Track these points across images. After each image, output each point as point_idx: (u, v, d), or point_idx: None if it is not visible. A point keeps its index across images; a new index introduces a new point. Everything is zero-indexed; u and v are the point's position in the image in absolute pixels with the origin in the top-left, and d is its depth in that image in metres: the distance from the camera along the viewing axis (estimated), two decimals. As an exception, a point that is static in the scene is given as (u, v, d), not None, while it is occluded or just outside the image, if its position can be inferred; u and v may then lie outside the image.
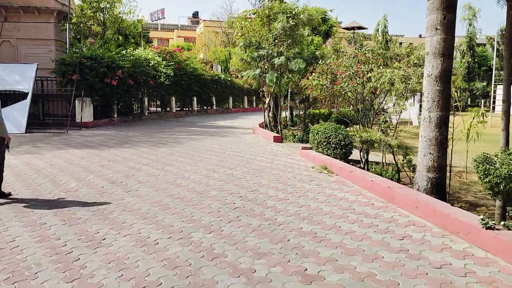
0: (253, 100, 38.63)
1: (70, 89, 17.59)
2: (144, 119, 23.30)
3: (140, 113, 23.61)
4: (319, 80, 7.46)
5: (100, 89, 18.47)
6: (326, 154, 9.46)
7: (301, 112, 24.72)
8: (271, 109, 17.61)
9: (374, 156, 11.06)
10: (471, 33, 50.07)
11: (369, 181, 6.89)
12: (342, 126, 19.13)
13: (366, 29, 28.97)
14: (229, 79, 34.04)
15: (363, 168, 8.25)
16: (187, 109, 29.25)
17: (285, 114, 22.00)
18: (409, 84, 7.01)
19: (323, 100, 12.76)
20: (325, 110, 25.24)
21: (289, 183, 7.56)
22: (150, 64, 23.93)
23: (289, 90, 20.09)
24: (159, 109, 26.53)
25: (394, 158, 7.88)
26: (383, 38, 45.91)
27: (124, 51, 22.23)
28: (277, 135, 14.04)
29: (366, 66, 7.31)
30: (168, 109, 26.96)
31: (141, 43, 29.28)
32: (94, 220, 5.46)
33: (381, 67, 7.25)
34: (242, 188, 7.21)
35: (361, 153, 8.61)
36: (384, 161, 9.61)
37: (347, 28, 25.43)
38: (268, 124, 17.20)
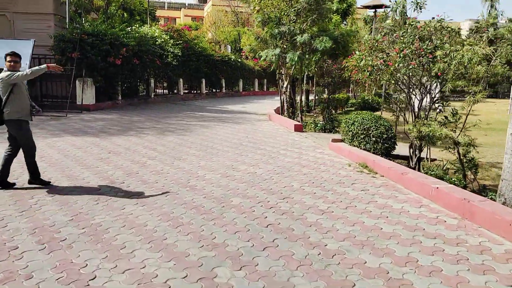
0: (263, 83, 37.03)
1: (70, 68, 16.14)
2: (150, 102, 21.87)
3: (146, 96, 22.17)
4: (370, 60, 6.01)
5: (102, 68, 17.00)
6: (364, 149, 8.02)
7: (323, 96, 23.22)
8: (289, 93, 16.14)
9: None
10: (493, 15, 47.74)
11: (433, 188, 5.47)
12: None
13: (388, 8, 27.04)
14: (239, 60, 32.39)
15: (414, 168, 6.83)
16: (195, 91, 27.75)
17: (299, 98, 20.43)
18: (491, 66, 5.56)
19: (366, 85, 11.34)
20: (343, 95, 23.75)
21: (327, 187, 6.15)
22: (157, 43, 22.38)
23: (305, 73, 18.54)
24: (166, 91, 25.04)
25: (461, 160, 6.42)
26: (401, 18, 43.52)
27: (128, 28, 20.67)
28: (298, 123, 12.60)
29: (428, 42, 5.81)
30: (175, 91, 25.47)
31: (147, 21, 27.64)
32: (80, 245, 4.08)
33: (447, 44, 5.78)
34: (271, 193, 5.82)
35: (412, 149, 7.17)
36: (428, 156, 8.15)
37: (368, 7, 23.58)
38: (286, 110, 15.74)
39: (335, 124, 13.24)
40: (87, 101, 16.72)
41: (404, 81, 6.45)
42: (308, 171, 7.15)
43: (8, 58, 5.75)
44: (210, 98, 28.10)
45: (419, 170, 6.89)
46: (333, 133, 13.04)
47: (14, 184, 6.02)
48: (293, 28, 12.64)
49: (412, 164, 7.03)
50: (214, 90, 30.03)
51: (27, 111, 5.92)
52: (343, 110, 17.91)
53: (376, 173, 6.98)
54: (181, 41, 24.62)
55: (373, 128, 7.90)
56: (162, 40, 22.81)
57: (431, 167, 7.01)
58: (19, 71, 5.71)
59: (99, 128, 12.04)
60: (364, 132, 8.01)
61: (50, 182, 6.18)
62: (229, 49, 38.90)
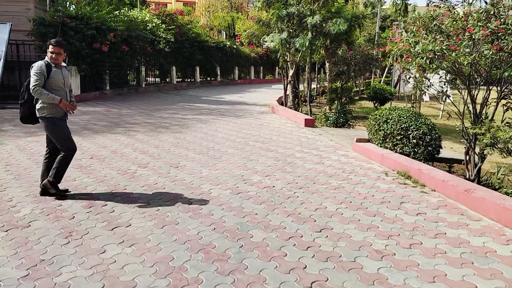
0: (260, 71, 35.41)
1: (51, 56, 14.50)
2: (141, 91, 20.30)
3: (137, 85, 20.59)
4: (430, 43, 4.59)
5: (88, 55, 15.42)
6: (401, 153, 6.62)
7: (325, 85, 21.70)
8: (295, 82, 14.69)
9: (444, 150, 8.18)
10: None
11: (519, 215, 4.08)
12: (377, 104, 16.24)
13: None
14: (235, 46, 30.76)
15: (473, 181, 5.44)
16: (189, 80, 26.15)
17: (305, 87, 18.88)
18: None
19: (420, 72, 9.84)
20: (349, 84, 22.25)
21: (370, 209, 4.74)
22: (148, 28, 20.78)
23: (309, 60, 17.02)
24: (157, 79, 23.44)
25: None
26: (402, 3, 41.98)
27: (116, 12, 19.01)
28: (308, 117, 11.15)
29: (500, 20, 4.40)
30: (168, 80, 23.87)
31: (136, 4, 25.86)
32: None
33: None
34: (301, 221, 4.40)
35: (469, 156, 5.77)
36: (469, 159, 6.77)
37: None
38: (291, 100, 14.29)
39: (348, 117, 11.82)
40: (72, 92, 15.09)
41: (462, 69, 5.01)
42: (338, 184, 5.74)
43: (51, 48, 4.80)
44: (204, 87, 26.52)
45: (478, 182, 5.50)
46: (347, 127, 11.64)
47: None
48: (302, 9, 11.12)
49: (471, 175, 5.63)
50: (208, 79, 28.42)
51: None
52: (347, 100, 16.49)
53: (424, 185, 5.59)
54: (174, 26, 22.97)
55: (413, 128, 6.49)
56: (154, 25, 21.20)
57: (488, 178, 5.65)
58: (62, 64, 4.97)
59: (83, 124, 10.52)
60: (402, 133, 6.59)
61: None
62: (224, 35, 37.16)
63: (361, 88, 23.04)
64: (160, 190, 5.35)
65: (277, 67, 37.27)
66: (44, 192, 4.95)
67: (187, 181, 5.76)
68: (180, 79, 25.40)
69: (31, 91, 4.67)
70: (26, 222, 4.27)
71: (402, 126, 6.62)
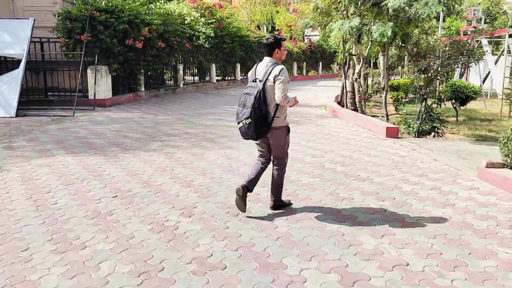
0: (303, 67, 33.03)
1: (79, 54, 12.79)
2: (178, 92, 18.41)
3: (174, 85, 18.71)
4: None
5: (120, 53, 13.58)
6: None
7: (379, 80, 19.19)
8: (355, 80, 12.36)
9: None
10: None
11: None
12: (456, 105, 13.55)
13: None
14: (277, 41, 28.45)
15: None
16: (229, 78, 24.13)
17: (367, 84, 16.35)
18: None
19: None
20: (405, 79, 19.72)
21: None
22: (186, 22, 18.83)
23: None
24: (196, 78, 21.52)
25: None
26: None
27: (151, 5, 17.14)
28: (390, 125, 8.81)
29: None
30: (207, 78, 21.93)
31: (173, -3, 23.98)
32: None
33: None
34: None
35: None
36: None
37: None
38: (350, 100, 11.98)
39: (436, 124, 9.39)
40: (102, 94, 13.37)
41: None
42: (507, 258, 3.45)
43: (284, 45, 4.31)
44: (246, 85, 24.34)
45: None
46: (435, 136, 9.23)
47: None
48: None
49: None
50: (249, 76, 26.27)
51: None
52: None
53: None
54: (214, 20, 20.96)
55: None
56: (192, 18, 19.21)
57: None
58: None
59: (112, 136, 8.60)
60: None
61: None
62: (265, 29, 34.97)
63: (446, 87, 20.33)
64: (217, 262, 3.24)
65: (320, 63, 34.87)
66: (277, 206, 4.53)
67: (259, 248, 3.62)
68: (219, 77, 23.41)
69: (281, 100, 4.06)
70: None
71: None
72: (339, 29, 9.21)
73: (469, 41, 10.63)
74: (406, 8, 8.77)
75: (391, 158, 6.83)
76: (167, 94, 17.58)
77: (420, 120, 9.62)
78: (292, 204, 4.64)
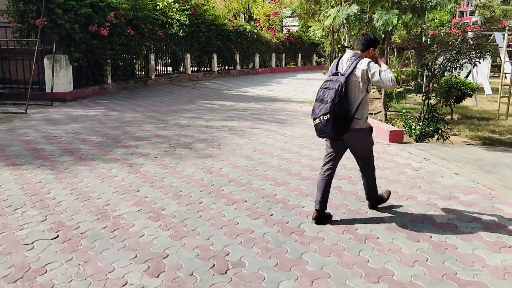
0: (282, 58, 31.74)
1: (33, 41, 11.17)
2: (150, 84, 16.89)
3: (145, 77, 17.15)
4: None
5: (82, 41, 12.02)
6: None
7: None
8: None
9: None
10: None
11: None
12: (451, 103, 12.52)
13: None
14: (255, 31, 27.14)
15: None
16: (205, 69, 22.65)
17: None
18: None
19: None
20: (412, 68, 18.64)
21: None
22: (158, 8, 17.28)
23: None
24: (169, 69, 20.00)
25: None
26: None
27: (120, -13, 15.52)
28: (395, 128, 7.66)
29: None
30: (181, 69, 20.42)
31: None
32: None
33: None
34: None
35: None
36: None
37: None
38: None
39: (440, 125, 8.32)
40: (62, 87, 11.80)
41: None
42: None
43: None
44: (223, 77, 23.04)
45: None
46: (443, 140, 8.17)
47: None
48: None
49: None
50: (227, 68, 24.86)
51: None
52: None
53: None
54: (189, 7, 19.44)
55: None
56: (165, 4, 17.66)
57: None
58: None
59: (66, 140, 7.17)
60: None
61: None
62: (242, 18, 33.48)
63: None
64: None
65: (299, 54, 33.56)
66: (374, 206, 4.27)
67: None
68: (195, 68, 21.91)
69: (392, 85, 3.69)
70: None
71: None
72: (335, 17, 7.98)
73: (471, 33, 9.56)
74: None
75: (404, 171, 5.68)
76: (138, 87, 16.05)
77: (422, 121, 8.53)
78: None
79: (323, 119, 3.74)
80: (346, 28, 8.98)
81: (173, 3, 18.29)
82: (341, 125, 3.75)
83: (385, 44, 9.05)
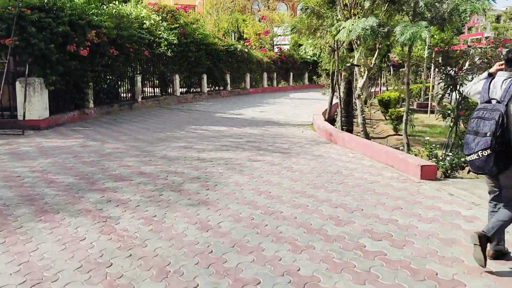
0: (273, 77, 30.77)
1: (2, 63, 9.94)
2: (136, 108, 15.68)
3: (131, 99, 15.92)
4: None
5: (59, 62, 10.82)
6: None
7: (359, 94, 17.15)
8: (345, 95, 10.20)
9: None
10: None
11: None
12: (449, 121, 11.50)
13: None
14: (246, 50, 26.18)
15: None
16: (195, 90, 21.50)
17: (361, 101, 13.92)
18: None
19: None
20: (393, 92, 18.07)
21: None
22: (144, 26, 16.20)
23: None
24: (157, 90, 18.80)
25: None
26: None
27: (103, 5, 14.44)
28: (427, 162, 6.46)
29: None
30: (170, 91, 19.24)
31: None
32: None
33: None
34: None
35: None
36: None
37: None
38: (343, 119, 9.76)
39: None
40: (36, 114, 10.56)
41: None
42: None
43: None
44: (213, 98, 21.93)
45: None
46: (469, 173, 7.02)
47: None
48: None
49: None
50: (217, 88, 23.75)
51: None
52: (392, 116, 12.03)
53: None
54: (177, 25, 18.39)
55: None
56: (152, 22, 16.58)
57: None
58: None
59: (30, 182, 5.89)
60: None
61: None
62: (233, 37, 32.57)
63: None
64: None
65: (291, 73, 32.59)
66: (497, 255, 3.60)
67: None
68: (184, 89, 20.75)
69: None
70: None
71: None
72: (350, 30, 6.87)
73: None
74: (437, 4, 6.57)
75: (457, 224, 4.48)
76: (122, 110, 14.83)
77: (449, 149, 7.42)
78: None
79: (482, 154, 3.35)
80: (356, 43, 7.89)
81: (160, 21, 17.23)
82: (505, 159, 3.34)
83: (408, 59, 7.93)
